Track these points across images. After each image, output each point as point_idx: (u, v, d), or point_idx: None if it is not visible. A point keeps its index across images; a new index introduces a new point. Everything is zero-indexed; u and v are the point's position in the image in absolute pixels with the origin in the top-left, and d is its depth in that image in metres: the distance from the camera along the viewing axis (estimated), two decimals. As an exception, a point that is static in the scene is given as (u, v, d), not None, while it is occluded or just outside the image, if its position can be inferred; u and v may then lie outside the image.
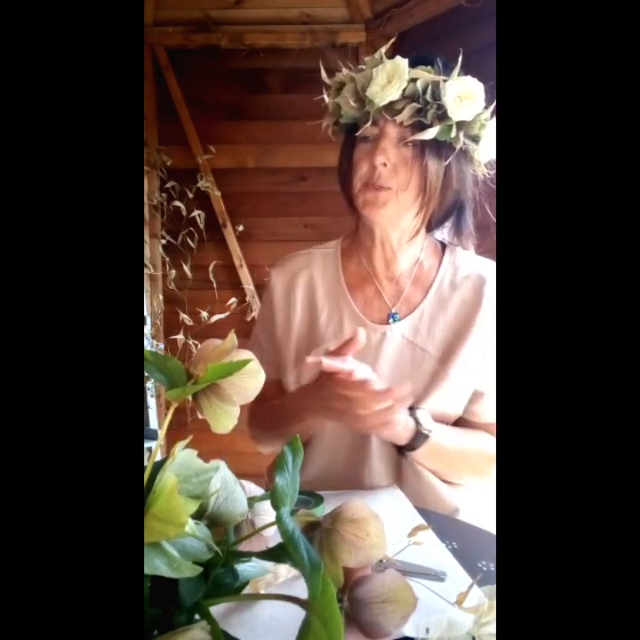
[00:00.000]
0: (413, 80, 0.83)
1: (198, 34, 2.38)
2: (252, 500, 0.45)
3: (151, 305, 2.47)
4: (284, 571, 0.59)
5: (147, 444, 1.98)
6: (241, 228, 2.44)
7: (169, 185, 2.41)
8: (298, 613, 0.36)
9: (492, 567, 0.66)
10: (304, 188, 2.45)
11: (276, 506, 0.38)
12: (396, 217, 0.90)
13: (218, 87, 2.43)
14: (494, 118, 0.85)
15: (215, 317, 2.42)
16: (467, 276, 0.96)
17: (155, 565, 0.34)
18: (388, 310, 0.97)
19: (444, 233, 1.01)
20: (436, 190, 0.88)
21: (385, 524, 0.40)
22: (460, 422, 0.96)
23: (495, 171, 0.86)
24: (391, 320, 0.96)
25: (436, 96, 0.82)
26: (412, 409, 0.87)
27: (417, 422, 0.85)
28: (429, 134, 0.83)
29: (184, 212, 2.40)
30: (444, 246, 1.01)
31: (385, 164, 0.86)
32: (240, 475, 0.44)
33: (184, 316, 2.43)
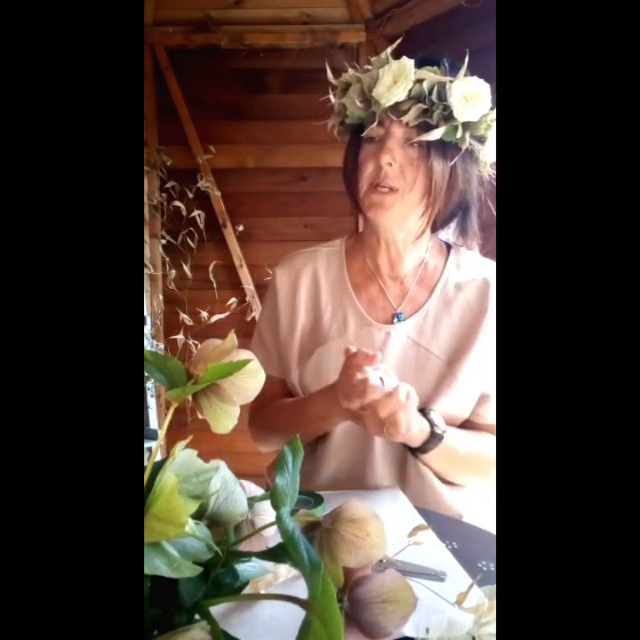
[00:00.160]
0: (419, 81, 0.83)
1: (198, 34, 2.38)
2: (252, 500, 0.45)
3: (151, 305, 2.47)
4: (284, 571, 0.59)
5: (147, 444, 1.98)
6: (241, 228, 2.44)
7: (169, 185, 2.41)
8: (298, 613, 0.36)
9: (492, 567, 0.66)
10: (304, 188, 2.45)
11: (276, 506, 0.38)
12: (402, 218, 0.90)
13: (218, 87, 2.43)
14: (499, 118, 0.85)
15: (215, 317, 2.42)
16: (473, 279, 0.96)
17: (155, 565, 0.34)
18: (393, 310, 0.97)
19: (448, 233, 1.00)
20: (441, 191, 0.88)
21: (385, 524, 0.40)
22: (465, 424, 0.96)
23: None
24: (396, 320, 0.96)
25: (442, 97, 0.82)
26: (424, 410, 0.86)
27: (431, 423, 0.85)
28: (435, 135, 0.83)
29: (184, 212, 2.40)
30: (448, 247, 1.01)
31: (391, 164, 0.86)
32: (240, 475, 0.44)
33: (184, 316, 2.43)
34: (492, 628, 0.45)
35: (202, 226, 2.42)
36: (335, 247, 1.04)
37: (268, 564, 0.42)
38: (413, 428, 0.80)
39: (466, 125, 0.84)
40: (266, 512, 0.46)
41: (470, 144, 0.86)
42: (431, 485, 0.92)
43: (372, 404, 0.75)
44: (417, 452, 0.87)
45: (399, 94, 0.83)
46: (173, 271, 2.45)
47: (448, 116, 0.83)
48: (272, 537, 0.43)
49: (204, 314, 2.42)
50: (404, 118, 0.84)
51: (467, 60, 0.83)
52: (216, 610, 0.39)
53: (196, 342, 2.42)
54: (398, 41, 0.90)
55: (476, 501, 0.95)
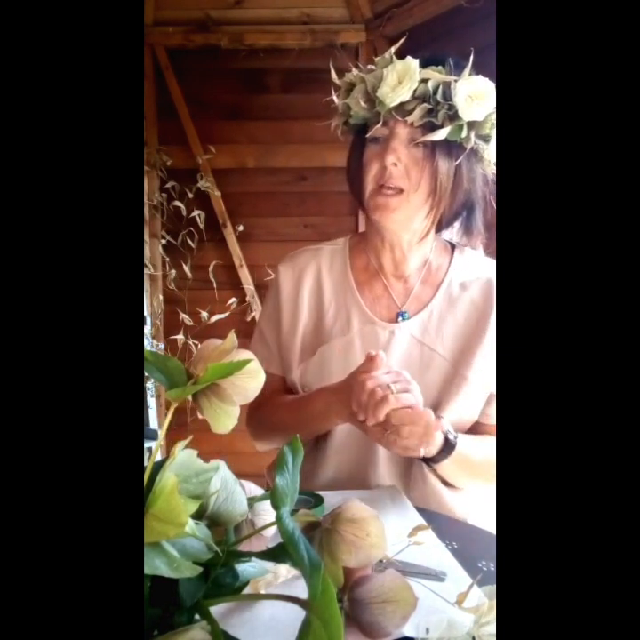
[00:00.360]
0: (424, 80, 0.82)
1: (198, 34, 2.38)
2: (252, 500, 0.45)
3: (151, 305, 2.47)
4: (284, 571, 0.59)
5: (147, 444, 1.98)
6: (241, 228, 2.45)
7: (169, 185, 2.41)
8: (298, 613, 0.36)
9: (492, 567, 0.66)
10: (304, 188, 2.45)
11: (275, 506, 0.38)
12: (407, 220, 0.90)
13: (218, 87, 2.43)
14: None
15: (215, 317, 2.42)
16: (477, 278, 0.96)
17: (155, 565, 0.34)
18: (397, 309, 0.96)
19: (452, 233, 1.00)
20: (446, 190, 0.88)
21: (385, 524, 0.40)
22: (473, 425, 0.95)
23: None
24: (400, 318, 0.95)
25: (447, 96, 0.82)
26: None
27: (445, 432, 0.82)
28: (440, 135, 0.83)
29: (184, 212, 2.40)
30: (453, 246, 1.01)
31: (396, 165, 0.86)
32: (240, 475, 0.44)
33: (184, 316, 2.43)
34: (492, 628, 0.45)
35: (202, 226, 2.43)
36: (339, 246, 1.04)
37: (268, 564, 0.42)
38: (433, 443, 0.79)
39: (471, 125, 0.83)
40: (266, 512, 0.46)
41: (475, 143, 0.85)
42: (434, 488, 0.91)
43: (396, 428, 0.73)
44: (431, 462, 0.85)
45: (404, 94, 0.82)
46: (173, 271, 2.45)
47: (453, 116, 0.82)
48: (272, 537, 0.43)
49: (204, 314, 2.42)
50: (409, 118, 0.84)
51: (471, 58, 0.82)
52: (216, 610, 0.39)
53: (196, 342, 2.42)
54: (402, 40, 0.90)
55: (479, 504, 0.95)
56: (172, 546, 0.36)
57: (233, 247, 2.46)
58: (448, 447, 0.82)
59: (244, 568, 0.42)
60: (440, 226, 0.96)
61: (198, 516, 0.39)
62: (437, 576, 0.62)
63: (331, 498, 0.76)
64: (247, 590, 0.43)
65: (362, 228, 2.38)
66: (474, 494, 0.96)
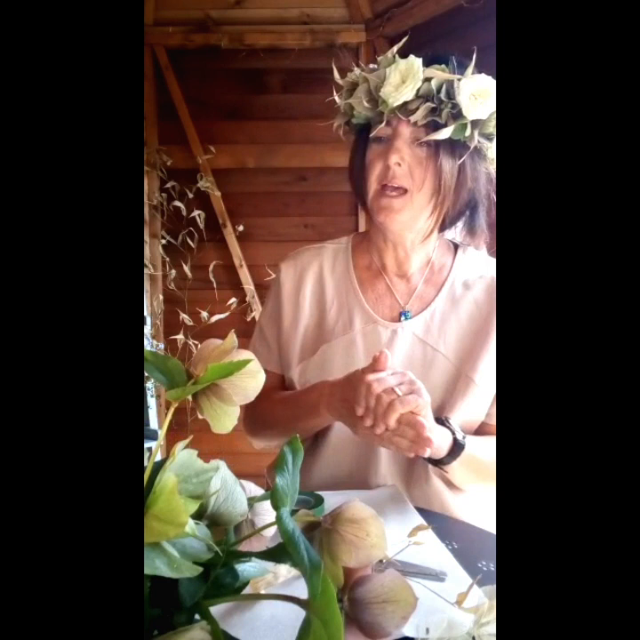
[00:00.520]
0: (427, 79, 0.82)
1: (198, 34, 2.38)
2: (252, 500, 0.45)
3: (151, 305, 2.47)
4: (284, 571, 0.59)
5: (147, 444, 1.98)
6: (241, 228, 2.45)
7: (169, 185, 2.41)
8: (298, 613, 0.36)
9: (492, 567, 0.66)
10: (304, 188, 2.45)
11: (275, 506, 0.38)
12: (412, 220, 0.89)
13: (218, 87, 2.43)
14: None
15: (215, 317, 2.42)
16: (480, 278, 0.96)
17: (155, 565, 0.34)
18: (400, 308, 0.96)
19: (455, 232, 1.00)
20: (450, 190, 0.87)
21: (385, 524, 0.40)
22: (479, 426, 0.94)
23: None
24: (403, 318, 0.95)
25: (451, 95, 0.81)
26: (441, 419, 0.84)
27: (453, 432, 0.82)
28: (444, 134, 0.82)
29: (184, 212, 2.40)
30: (456, 246, 1.01)
31: (399, 164, 0.85)
32: (240, 475, 0.44)
33: (184, 316, 2.43)
34: (492, 628, 0.45)
35: (202, 226, 2.42)
36: (342, 244, 1.03)
37: (268, 564, 0.42)
38: (436, 439, 0.77)
39: (474, 123, 0.83)
40: (266, 512, 0.46)
41: (479, 142, 0.85)
42: (437, 489, 0.91)
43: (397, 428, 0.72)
44: (440, 463, 0.84)
45: (407, 94, 0.81)
46: (173, 271, 2.45)
47: (457, 115, 0.82)
48: (272, 537, 0.43)
49: (204, 314, 2.42)
50: (413, 117, 0.83)
51: (474, 56, 0.82)
52: (216, 610, 0.39)
53: (196, 342, 2.42)
54: (404, 39, 0.89)
55: (482, 506, 0.94)
56: (172, 546, 0.36)
57: (233, 247, 2.46)
58: (457, 449, 0.82)
59: (244, 568, 0.42)
60: (444, 225, 0.96)
61: (198, 516, 0.39)
62: (437, 576, 0.62)
63: (331, 498, 0.76)
64: (247, 590, 0.43)
65: (362, 228, 2.38)
66: (477, 496, 0.95)
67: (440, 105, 0.82)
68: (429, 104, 0.82)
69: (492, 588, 0.48)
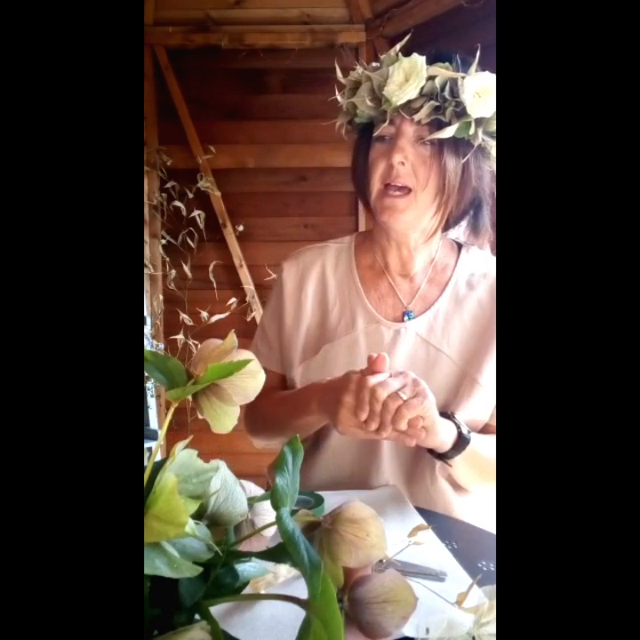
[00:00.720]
0: (431, 77, 0.81)
1: (198, 34, 2.38)
2: (252, 500, 0.45)
3: (151, 305, 2.47)
4: (284, 571, 0.59)
5: (147, 444, 1.98)
6: (241, 228, 2.45)
7: (169, 185, 2.41)
8: (298, 613, 0.36)
9: (492, 567, 0.66)
10: (304, 188, 2.45)
11: (275, 506, 0.38)
12: (416, 220, 0.89)
13: (218, 87, 2.43)
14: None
15: (215, 317, 2.42)
16: (484, 278, 0.95)
17: (155, 565, 0.34)
18: (403, 308, 0.95)
19: (459, 231, 0.99)
20: (454, 189, 0.86)
21: (385, 524, 0.40)
22: (483, 427, 0.94)
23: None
24: (406, 318, 0.94)
25: (455, 93, 0.80)
26: (447, 414, 0.84)
27: (458, 426, 0.82)
28: (448, 133, 0.81)
29: (184, 212, 2.40)
30: (459, 246, 1.00)
31: (403, 163, 0.85)
32: (240, 475, 0.44)
33: (184, 316, 2.43)
34: (492, 628, 0.45)
35: (202, 226, 2.43)
36: (344, 244, 1.03)
37: (268, 564, 0.42)
38: (442, 433, 0.78)
39: (478, 121, 0.82)
40: (266, 512, 0.46)
41: (483, 140, 0.84)
42: (442, 490, 0.91)
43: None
44: (444, 457, 0.84)
45: (411, 92, 0.81)
46: (173, 271, 2.45)
47: (460, 113, 0.81)
48: (272, 537, 0.43)
49: (204, 314, 2.42)
50: (416, 116, 0.82)
51: (478, 54, 0.81)
52: (216, 610, 0.39)
53: (196, 342, 2.42)
54: (407, 37, 0.87)
55: (487, 508, 0.93)
56: (172, 546, 0.36)
57: (233, 247, 2.46)
58: (462, 442, 0.81)
59: (244, 568, 0.42)
60: (447, 224, 0.95)
61: (198, 516, 0.39)
62: (437, 576, 0.62)
63: (331, 498, 0.76)
64: (247, 590, 0.43)
65: (362, 228, 2.38)
66: (481, 499, 0.95)
67: (444, 103, 0.81)
68: (433, 102, 0.81)
69: (492, 588, 0.48)
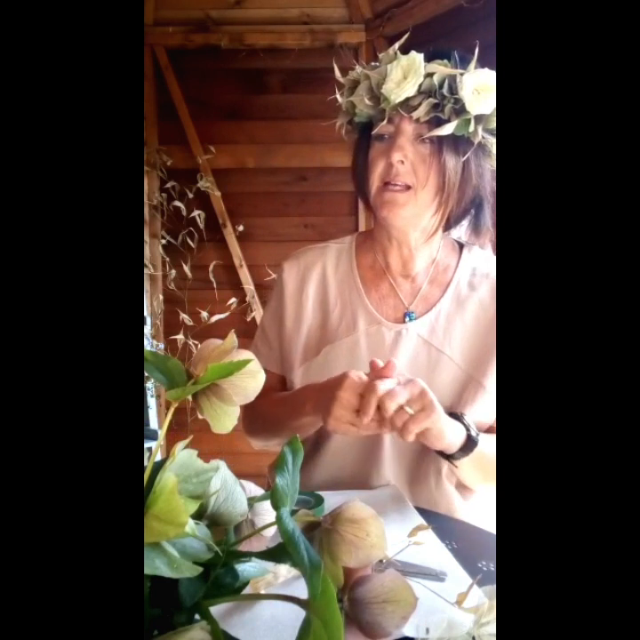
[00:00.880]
0: (429, 75, 0.81)
1: (198, 34, 2.38)
2: (252, 500, 0.45)
3: (151, 305, 2.47)
4: (284, 571, 0.59)
5: (147, 444, 1.98)
6: (241, 228, 2.45)
7: (169, 185, 2.41)
8: (298, 613, 0.36)
9: (492, 567, 0.66)
10: (304, 188, 2.45)
11: (275, 506, 0.38)
12: (416, 217, 0.88)
13: (218, 87, 2.43)
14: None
15: (215, 317, 2.42)
16: (486, 279, 0.94)
17: (155, 565, 0.34)
18: (404, 309, 0.95)
19: (460, 231, 0.99)
20: (454, 187, 0.86)
21: (385, 524, 0.40)
22: (487, 429, 0.93)
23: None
24: (407, 319, 0.93)
25: (454, 90, 0.80)
26: (455, 414, 0.83)
27: (467, 427, 0.81)
28: (447, 130, 0.81)
29: (184, 212, 2.40)
30: (461, 246, 0.99)
31: (402, 162, 0.84)
32: (240, 475, 0.44)
33: (184, 316, 2.43)
34: (492, 628, 0.45)
35: (202, 226, 2.42)
36: (345, 244, 1.02)
37: (268, 564, 0.42)
38: (449, 436, 0.77)
39: (478, 118, 0.81)
40: (266, 512, 0.46)
41: (483, 137, 0.83)
42: (446, 492, 0.91)
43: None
44: (451, 458, 0.83)
45: (409, 89, 0.80)
46: (173, 271, 2.45)
47: (460, 110, 0.80)
48: (272, 537, 0.43)
49: (204, 314, 2.42)
50: (415, 114, 0.82)
51: (477, 51, 0.80)
52: (216, 610, 0.39)
53: (196, 342, 2.42)
54: (406, 35, 0.87)
55: (490, 511, 0.93)
56: (172, 546, 0.36)
57: (233, 247, 2.46)
58: (470, 444, 0.81)
59: (244, 568, 0.42)
60: (448, 224, 0.94)
61: (198, 516, 0.39)
62: (437, 576, 0.62)
63: (331, 498, 0.76)
64: (247, 590, 0.43)
65: (362, 228, 2.38)
66: (485, 501, 0.94)
67: (443, 100, 0.81)
68: (432, 100, 0.81)
69: (492, 588, 0.48)
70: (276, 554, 0.40)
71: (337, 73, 0.90)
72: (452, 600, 0.52)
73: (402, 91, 0.81)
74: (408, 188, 0.86)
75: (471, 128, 0.82)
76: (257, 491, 0.47)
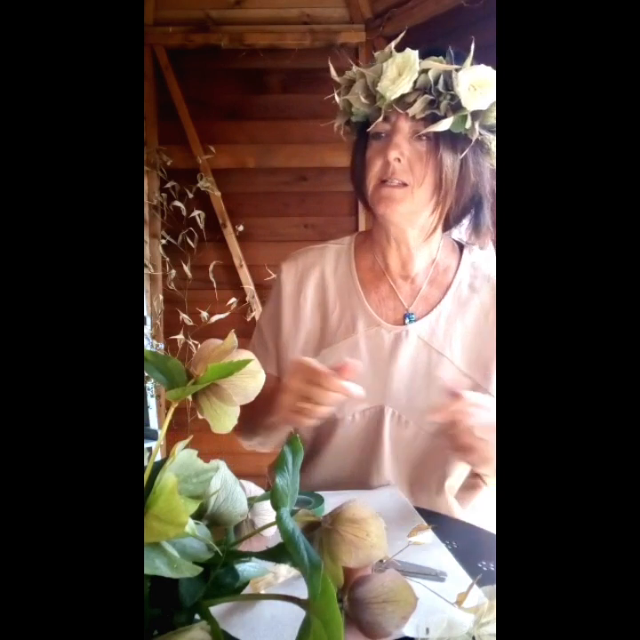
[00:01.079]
0: (425, 71, 0.80)
1: (198, 34, 2.38)
2: (252, 500, 0.45)
3: (151, 305, 2.46)
4: (284, 571, 0.59)
5: (147, 444, 1.98)
6: (241, 228, 2.44)
7: (169, 185, 2.41)
8: (298, 613, 0.36)
9: (492, 567, 0.66)
10: (304, 188, 2.45)
11: (275, 506, 0.38)
12: (413, 214, 0.87)
13: (218, 87, 2.42)
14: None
15: (215, 317, 2.42)
16: (487, 280, 0.93)
17: (155, 565, 0.34)
18: (404, 310, 0.94)
19: (461, 231, 0.98)
20: (452, 185, 0.85)
21: (385, 524, 0.40)
22: None
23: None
24: (407, 320, 0.93)
25: (449, 86, 0.79)
26: None
27: None
28: (443, 126, 0.80)
29: (184, 212, 2.40)
30: (461, 246, 0.98)
31: (399, 160, 0.83)
32: (240, 475, 0.44)
33: (184, 316, 2.42)
34: (492, 628, 0.45)
35: (202, 226, 2.42)
36: (344, 245, 1.01)
37: (268, 564, 0.42)
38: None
39: (475, 115, 0.81)
40: (266, 512, 0.46)
41: (480, 134, 0.82)
42: (446, 502, 0.91)
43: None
44: (482, 474, 0.83)
45: (404, 86, 0.80)
46: (173, 271, 2.45)
47: (456, 106, 0.80)
48: (272, 537, 0.43)
49: (204, 314, 2.42)
50: (411, 111, 0.81)
51: (473, 47, 0.80)
52: (216, 610, 0.39)
53: (196, 342, 2.41)
54: (402, 34, 0.87)
55: (488, 514, 0.93)
56: (172, 546, 0.36)
57: (233, 247, 2.46)
58: None
59: (244, 568, 0.42)
60: (448, 223, 0.94)
61: (198, 516, 0.39)
62: (437, 576, 0.62)
63: (331, 498, 0.76)
64: (247, 590, 0.43)
65: (362, 228, 2.38)
66: (484, 506, 0.94)
67: (438, 97, 0.80)
68: (427, 96, 0.80)
69: (492, 588, 0.48)
70: (275, 554, 0.40)
71: (333, 72, 0.90)
72: (452, 600, 0.52)
73: (397, 87, 0.80)
74: (405, 185, 0.85)
75: (468, 124, 0.81)
76: (257, 491, 0.47)
